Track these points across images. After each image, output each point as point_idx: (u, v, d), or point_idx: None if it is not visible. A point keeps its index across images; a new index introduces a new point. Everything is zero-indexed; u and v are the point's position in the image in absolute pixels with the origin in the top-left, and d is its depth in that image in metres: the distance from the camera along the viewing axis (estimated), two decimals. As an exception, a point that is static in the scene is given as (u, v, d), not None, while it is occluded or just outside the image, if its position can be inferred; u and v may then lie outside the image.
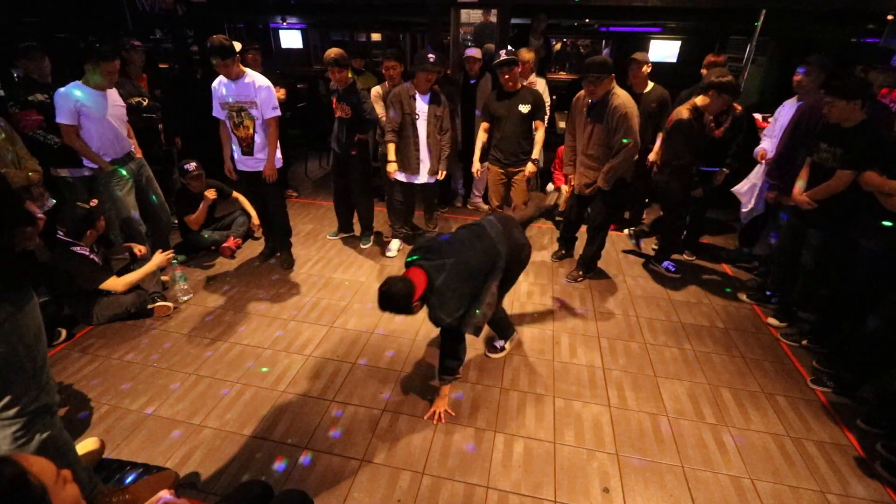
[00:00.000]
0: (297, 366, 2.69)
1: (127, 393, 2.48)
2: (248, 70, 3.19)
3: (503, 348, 2.81)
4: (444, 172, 3.77)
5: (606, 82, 3.03)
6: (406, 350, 2.85)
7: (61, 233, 2.81)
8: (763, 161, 3.44)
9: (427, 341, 2.92)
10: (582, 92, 3.27)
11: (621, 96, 3.05)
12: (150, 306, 3.11)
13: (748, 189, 3.59)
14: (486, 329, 2.48)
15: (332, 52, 3.40)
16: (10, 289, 1.42)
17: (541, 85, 4.32)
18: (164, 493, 1.07)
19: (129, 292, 3.00)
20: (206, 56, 3.08)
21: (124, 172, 3.27)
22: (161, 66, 5.81)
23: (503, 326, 2.81)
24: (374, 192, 4.35)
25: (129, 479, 1.97)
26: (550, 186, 4.80)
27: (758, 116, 4.40)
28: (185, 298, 3.31)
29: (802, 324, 3.11)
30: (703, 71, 3.86)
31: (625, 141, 3.05)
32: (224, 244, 3.93)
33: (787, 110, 3.38)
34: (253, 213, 4.05)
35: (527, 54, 4.12)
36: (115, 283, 2.92)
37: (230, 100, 3.16)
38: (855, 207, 2.62)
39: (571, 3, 5.73)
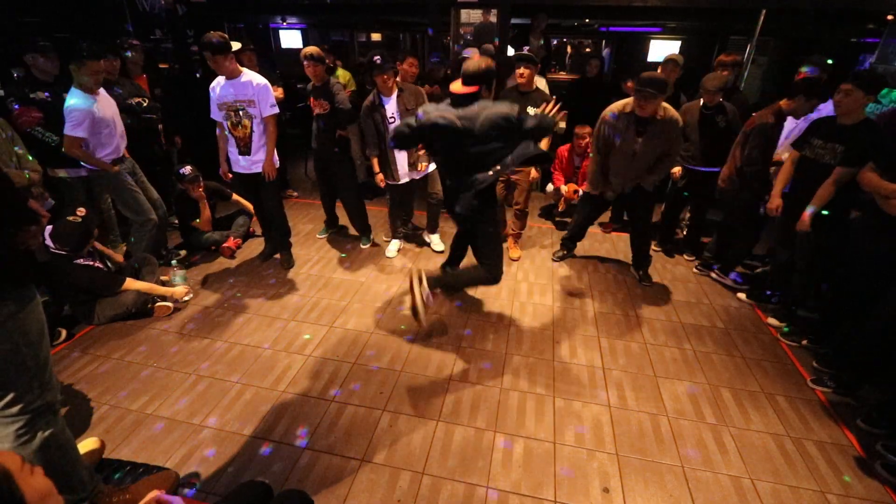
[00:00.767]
0: (297, 366, 2.70)
1: (127, 393, 2.48)
2: (244, 69, 3.19)
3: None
4: (425, 165, 3.73)
5: (661, 97, 2.98)
6: (406, 350, 2.85)
7: (56, 246, 2.76)
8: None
9: (427, 341, 2.92)
10: (609, 110, 3.23)
11: (670, 108, 3.07)
12: (150, 306, 3.11)
13: None
14: None
15: (308, 48, 3.43)
16: (13, 287, 1.42)
17: (541, 85, 4.32)
18: (156, 493, 1.07)
19: (129, 293, 3.00)
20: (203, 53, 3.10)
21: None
22: (161, 66, 5.80)
23: None
24: (368, 191, 4.36)
25: (128, 480, 1.97)
26: (550, 186, 4.80)
27: (758, 116, 4.39)
28: (185, 298, 3.31)
29: (802, 323, 3.10)
30: (723, 72, 3.69)
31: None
32: (224, 244, 3.93)
33: (787, 110, 3.37)
34: (253, 212, 4.05)
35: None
36: (131, 284, 2.98)
37: (228, 99, 3.16)
38: (843, 206, 2.63)
39: (571, 3, 5.73)
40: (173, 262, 3.60)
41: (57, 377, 1.64)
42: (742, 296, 3.48)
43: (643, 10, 5.81)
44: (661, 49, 7.55)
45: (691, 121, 3.57)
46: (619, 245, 4.29)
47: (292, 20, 8.67)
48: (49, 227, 2.78)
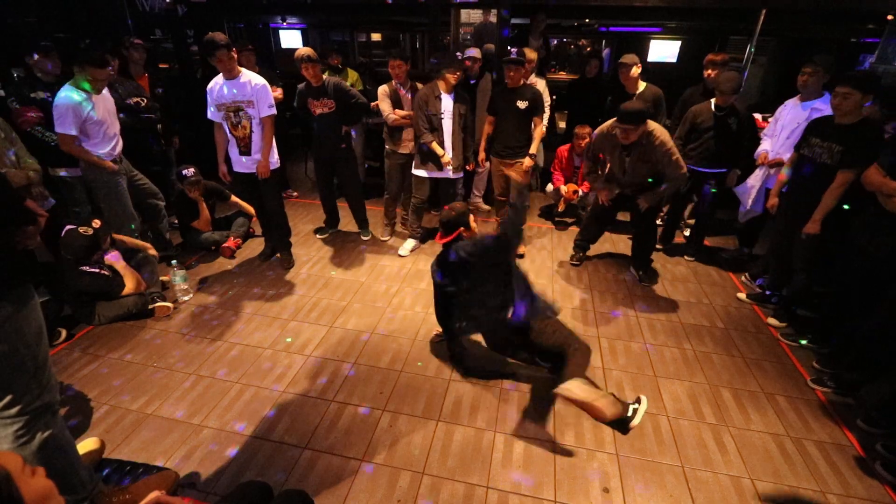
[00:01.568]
0: (297, 366, 2.69)
1: (127, 393, 2.48)
2: (243, 69, 3.19)
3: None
4: (473, 164, 3.92)
5: (642, 128, 3.05)
6: (406, 350, 2.85)
7: (63, 252, 2.79)
8: (764, 163, 3.43)
9: (427, 341, 2.92)
10: (597, 131, 3.38)
11: (660, 134, 3.08)
12: (150, 306, 3.11)
13: (748, 190, 3.58)
14: None
15: (301, 50, 3.47)
16: (11, 288, 1.42)
17: (541, 85, 4.34)
18: (157, 493, 1.07)
19: (130, 295, 3.01)
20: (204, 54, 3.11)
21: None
22: (161, 65, 5.81)
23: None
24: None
25: (128, 480, 1.97)
26: (550, 187, 4.80)
27: (758, 116, 4.39)
28: (186, 298, 3.31)
29: (802, 323, 3.10)
30: (709, 72, 3.80)
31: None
32: (224, 244, 3.93)
33: (788, 110, 3.37)
34: (252, 213, 4.05)
35: (531, 54, 4.26)
36: (130, 285, 3.02)
37: (227, 100, 3.16)
38: (841, 208, 2.63)
39: (571, 3, 5.73)
40: (173, 261, 3.59)
41: (56, 377, 1.64)
42: (742, 295, 3.48)
43: (643, 10, 5.82)
44: (662, 49, 7.55)
45: (702, 122, 3.57)
46: (619, 245, 4.29)
47: (292, 20, 8.67)
48: (67, 227, 2.83)
